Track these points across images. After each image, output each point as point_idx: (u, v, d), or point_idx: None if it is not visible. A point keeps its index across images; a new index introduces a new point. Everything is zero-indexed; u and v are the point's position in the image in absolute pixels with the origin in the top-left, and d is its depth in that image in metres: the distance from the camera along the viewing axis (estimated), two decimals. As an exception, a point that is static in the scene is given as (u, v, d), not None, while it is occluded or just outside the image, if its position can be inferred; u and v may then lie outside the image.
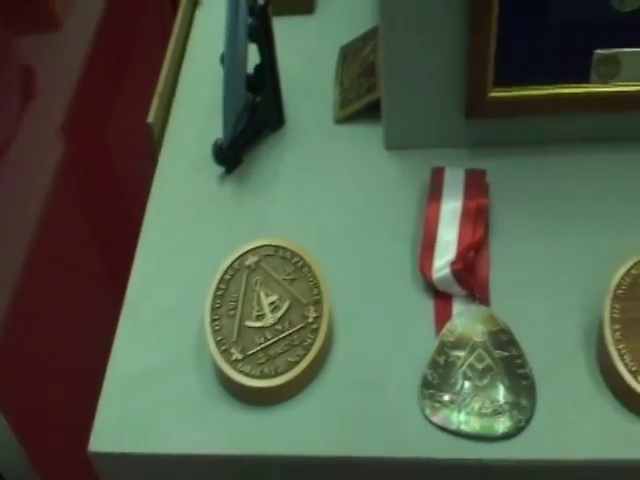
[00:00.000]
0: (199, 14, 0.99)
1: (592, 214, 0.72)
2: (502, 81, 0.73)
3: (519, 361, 0.63)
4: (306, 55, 0.90)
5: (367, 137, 0.80)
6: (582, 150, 0.76)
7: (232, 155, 0.79)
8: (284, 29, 0.94)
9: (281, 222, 0.74)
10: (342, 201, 0.75)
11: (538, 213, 0.73)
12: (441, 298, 0.67)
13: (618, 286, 0.64)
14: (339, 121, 0.82)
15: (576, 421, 0.60)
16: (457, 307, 0.66)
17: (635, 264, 0.65)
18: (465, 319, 0.65)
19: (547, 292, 0.67)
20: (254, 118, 0.80)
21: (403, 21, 0.71)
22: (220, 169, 0.79)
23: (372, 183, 0.77)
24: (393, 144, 0.79)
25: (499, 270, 0.69)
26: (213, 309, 0.65)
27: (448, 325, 0.65)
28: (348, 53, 0.88)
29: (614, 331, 0.62)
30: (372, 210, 0.74)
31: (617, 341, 0.61)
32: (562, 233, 0.71)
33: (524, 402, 0.61)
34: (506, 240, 0.71)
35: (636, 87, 0.73)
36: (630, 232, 0.70)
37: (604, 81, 0.73)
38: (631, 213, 0.72)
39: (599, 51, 0.72)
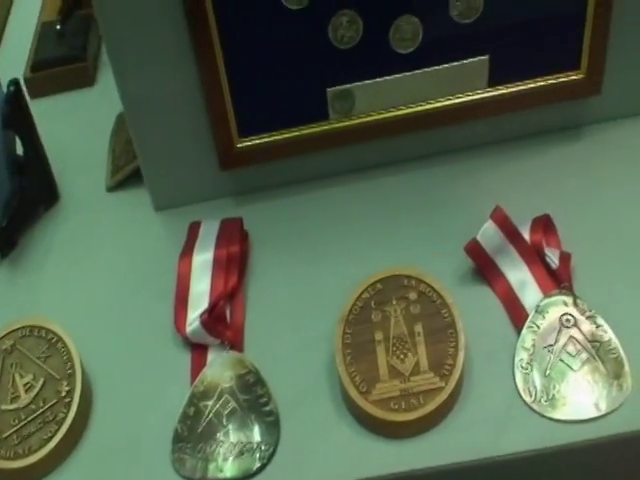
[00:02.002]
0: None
1: (342, 245, 0.85)
2: (246, 132, 0.86)
3: (264, 399, 0.74)
4: (85, 127, 1.03)
5: (138, 201, 0.92)
6: (334, 184, 0.89)
7: (5, 240, 0.90)
8: (64, 104, 1.07)
9: (48, 300, 0.85)
10: (109, 268, 0.87)
11: (295, 252, 0.85)
12: (197, 350, 0.78)
13: (350, 312, 0.75)
14: (111, 189, 0.94)
15: (319, 448, 0.71)
16: (211, 357, 0.77)
17: (366, 288, 0.76)
18: (215, 368, 0.76)
19: (298, 327, 0.79)
20: (24, 200, 0.91)
21: (142, 88, 0.83)
22: (-4, 256, 0.90)
23: (140, 246, 0.89)
24: (161, 205, 0.91)
25: (255, 313, 0.81)
26: (-30, 400, 0.75)
27: (200, 376, 0.76)
28: (120, 121, 1.00)
29: (345, 356, 0.73)
30: (138, 273, 0.86)
31: (348, 365, 0.72)
32: (315, 267, 0.83)
33: (268, 439, 0.72)
34: (264, 283, 0.83)
35: (372, 117, 0.86)
36: (375, 257, 0.82)
37: (342, 116, 0.86)
38: (377, 239, 0.84)
39: (331, 89, 0.84)
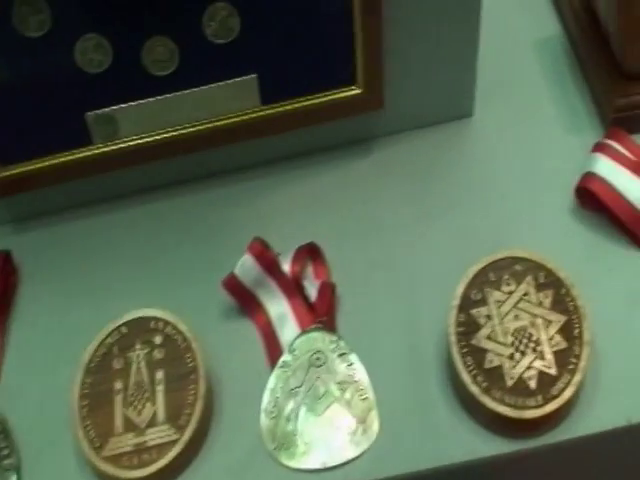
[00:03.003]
0: None
1: (111, 279, 0.82)
2: (7, 160, 0.82)
3: (5, 452, 0.71)
4: None
5: None
6: (107, 211, 0.86)
7: None
8: None
9: None
10: None
11: (63, 287, 0.82)
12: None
13: (91, 359, 0.73)
14: None
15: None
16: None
17: (110, 333, 0.74)
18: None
19: (52, 373, 0.76)
20: None
21: None
22: None
23: None
24: None
25: (14, 357, 0.78)
26: None
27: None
28: None
29: (82, 408, 0.71)
30: None
31: (85, 418, 0.70)
32: (79, 305, 0.81)
33: (2, 496, 0.70)
34: (28, 322, 0.80)
35: (138, 141, 0.82)
36: (137, 293, 0.80)
37: (106, 141, 0.82)
38: (144, 271, 0.82)
39: (90, 113, 0.81)
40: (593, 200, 0.80)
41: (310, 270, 0.79)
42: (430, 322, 0.74)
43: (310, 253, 0.79)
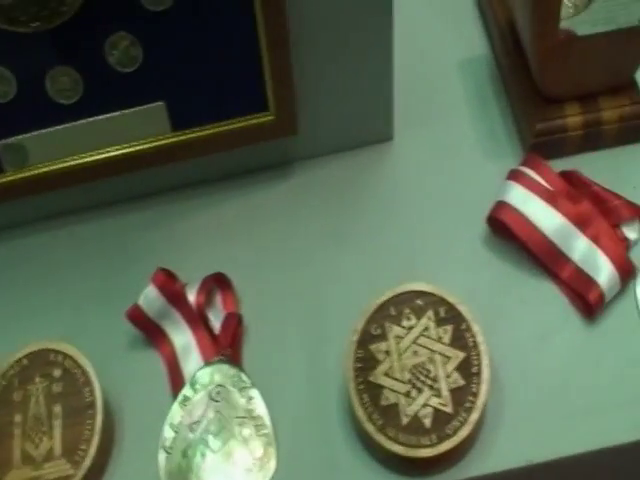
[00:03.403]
0: None
1: (20, 308, 0.81)
2: None
3: None
4: None
5: None
6: (20, 236, 0.86)
7: None
8: None
9: None
10: None
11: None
12: None
13: (-8, 393, 0.73)
14: None
15: None
16: None
17: (12, 365, 0.73)
18: None
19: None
20: None
21: None
22: None
23: None
24: None
25: None
26: None
27: None
28: None
29: (-21, 443, 0.71)
30: None
31: (-17, 454, 0.71)
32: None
33: None
34: None
35: (48, 168, 0.82)
36: (46, 324, 0.79)
37: (17, 168, 0.82)
38: (54, 300, 0.81)
39: (-2, 142, 0.81)
40: (506, 230, 0.80)
41: (219, 300, 0.79)
42: (334, 356, 0.74)
43: (218, 283, 0.78)
